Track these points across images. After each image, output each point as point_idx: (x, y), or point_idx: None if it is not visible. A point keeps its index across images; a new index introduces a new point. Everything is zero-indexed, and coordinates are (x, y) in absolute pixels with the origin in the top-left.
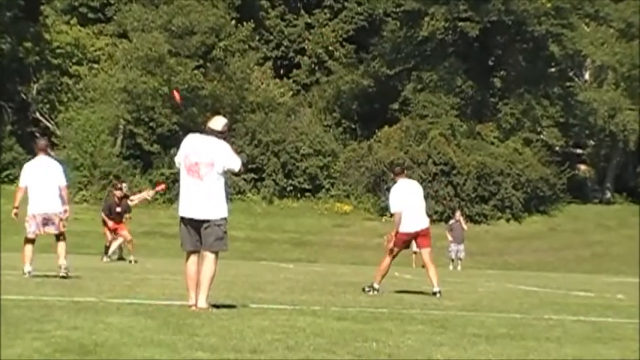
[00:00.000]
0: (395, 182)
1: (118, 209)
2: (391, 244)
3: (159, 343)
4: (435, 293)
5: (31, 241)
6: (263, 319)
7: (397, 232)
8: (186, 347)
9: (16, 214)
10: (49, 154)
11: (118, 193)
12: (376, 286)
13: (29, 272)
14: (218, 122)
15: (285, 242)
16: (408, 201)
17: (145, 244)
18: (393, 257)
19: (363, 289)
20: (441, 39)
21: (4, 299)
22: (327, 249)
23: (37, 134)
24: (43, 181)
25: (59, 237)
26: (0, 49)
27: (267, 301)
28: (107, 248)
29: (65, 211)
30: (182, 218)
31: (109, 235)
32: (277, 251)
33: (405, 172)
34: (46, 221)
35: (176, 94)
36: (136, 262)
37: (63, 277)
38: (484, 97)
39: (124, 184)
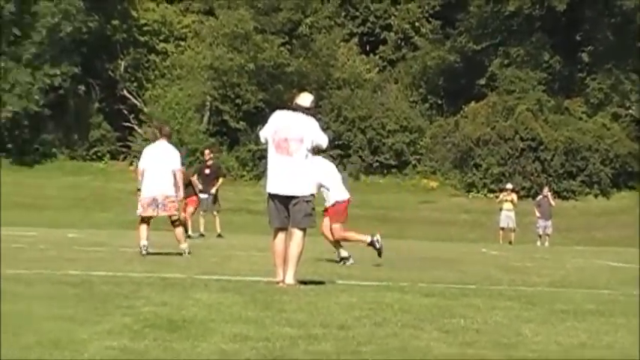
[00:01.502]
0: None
1: (207, 171)
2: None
3: (247, 319)
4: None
5: (145, 220)
6: (350, 296)
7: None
8: (274, 323)
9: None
10: (170, 142)
11: (206, 151)
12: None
13: (144, 246)
14: (306, 99)
15: (371, 218)
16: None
17: (231, 220)
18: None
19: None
20: (527, 14)
21: (93, 275)
22: (413, 225)
23: (125, 111)
24: (159, 165)
25: (174, 222)
26: (87, 27)
27: (355, 278)
28: (185, 227)
29: (177, 196)
30: (270, 195)
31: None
32: (364, 227)
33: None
34: (158, 203)
35: None
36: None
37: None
38: (572, 72)
39: (206, 151)
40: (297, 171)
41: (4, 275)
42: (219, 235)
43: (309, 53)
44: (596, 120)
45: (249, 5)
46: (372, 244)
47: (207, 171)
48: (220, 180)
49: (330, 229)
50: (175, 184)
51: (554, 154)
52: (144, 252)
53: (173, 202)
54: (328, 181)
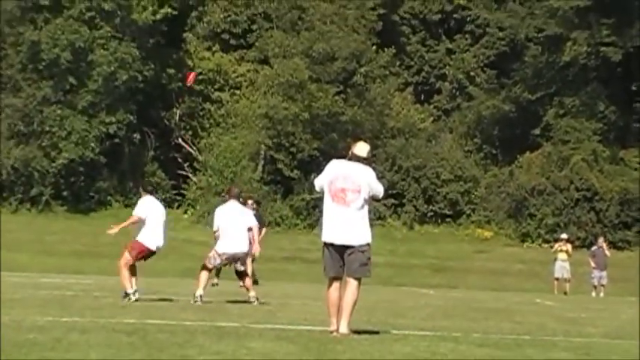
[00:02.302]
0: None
1: None
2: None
3: None
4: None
5: (209, 269)
6: (404, 345)
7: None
8: None
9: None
10: (240, 201)
11: (249, 201)
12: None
13: (200, 296)
14: (363, 149)
15: (425, 268)
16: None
17: (285, 269)
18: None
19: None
20: (583, 64)
21: (147, 323)
22: (467, 275)
23: (179, 160)
24: (237, 223)
25: (242, 273)
26: (143, 76)
27: (408, 327)
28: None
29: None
30: (326, 244)
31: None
32: (417, 277)
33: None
34: (237, 259)
35: (191, 77)
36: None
37: (258, 303)
38: (627, 123)
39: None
40: (354, 220)
41: (60, 323)
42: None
43: (363, 102)
44: None
45: (304, 54)
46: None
47: None
48: (264, 230)
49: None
50: (251, 240)
51: (609, 205)
52: (199, 302)
53: (247, 255)
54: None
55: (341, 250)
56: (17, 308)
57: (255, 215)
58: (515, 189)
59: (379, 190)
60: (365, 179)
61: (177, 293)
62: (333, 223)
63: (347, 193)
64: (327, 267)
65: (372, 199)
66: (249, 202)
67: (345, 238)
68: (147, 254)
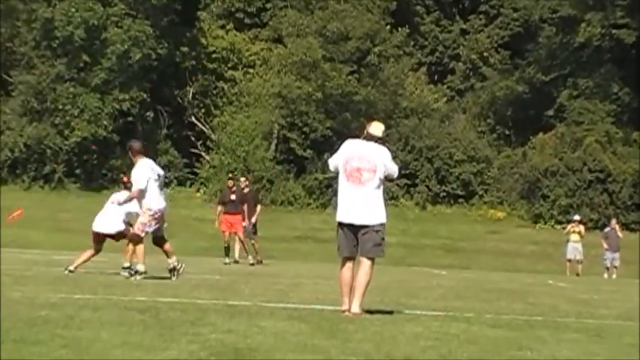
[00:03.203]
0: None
1: (232, 197)
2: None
3: (312, 348)
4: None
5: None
6: (416, 326)
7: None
8: (340, 353)
9: None
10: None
11: (229, 182)
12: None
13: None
14: (378, 128)
15: (437, 248)
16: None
17: (297, 248)
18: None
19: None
20: (597, 45)
21: (159, 301)
22: (479, 255)
23: (192, 138)
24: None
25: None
26: (157, 54)
27: (420, 308)
28: (227, 249)
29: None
30: (340, 223)
31: (226, 235)
32: (430, 257)
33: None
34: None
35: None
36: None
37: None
38: None
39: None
40: (369, 200)
41: (72, 300)
42: (260, 262)
43: (377, 82)
44: None
45: (317, 34)
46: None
47: (232, 197)
48: (259, 207)
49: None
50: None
51: (622, 186)
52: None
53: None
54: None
55: (355, 229)
56: (30, 285)
57: (248, 193)
58: (528, 170)
59: (394, 170)
60: (380, 159)
61: (189, 271)
62: (348, 202)
63: (362, 173)
64: (341, 246)
65: (387, 179)
66: (243, 179)
67: (360, 218)
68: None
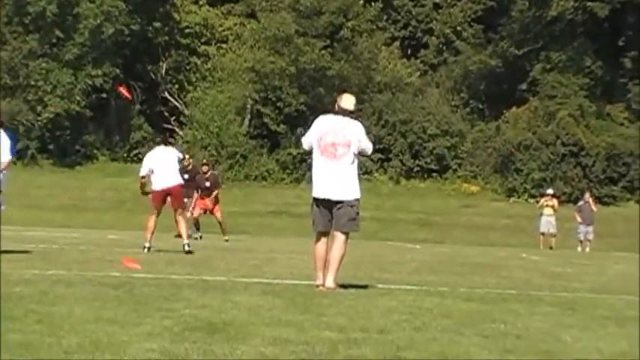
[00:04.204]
0: None
1: (207, 184)
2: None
3: (286, 322)
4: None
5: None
6: (390, 300)
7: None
8: (314, 327)
9: None
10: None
11: (204, 168)
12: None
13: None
14: (349, 101)
15: (411, 223)
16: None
17: (271, 223)
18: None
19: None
20: (570, 19)
21: (133, 277)
22: (453, 230)
23: (166, 114)
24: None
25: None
26: (130, 30)
27: (394, 282)
28: (196, 224)
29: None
30: (315, 199)
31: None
32: (403, 232)
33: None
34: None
35: (123, 90)
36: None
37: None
38: (614, 78)
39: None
40: (343, 175)
41: (46, 276)
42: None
43: (350, 57)
44: (638, 125)
45: (291, 8)
46: None
47: (207, 184)
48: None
49: None
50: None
51: (595, 160)
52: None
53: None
54: None
55: (330, 205)
56: (3, 262)
57: (211, 176)
58: (501, 144)
59: (368, 146)
60: (355, 135)
61: (163, 247)
62: (324, 178)
63: (337, 148)
64: (315, 221)
65: (361, 154)
66: (205, 167)
67: (335, 193)
68: (159, 197)
